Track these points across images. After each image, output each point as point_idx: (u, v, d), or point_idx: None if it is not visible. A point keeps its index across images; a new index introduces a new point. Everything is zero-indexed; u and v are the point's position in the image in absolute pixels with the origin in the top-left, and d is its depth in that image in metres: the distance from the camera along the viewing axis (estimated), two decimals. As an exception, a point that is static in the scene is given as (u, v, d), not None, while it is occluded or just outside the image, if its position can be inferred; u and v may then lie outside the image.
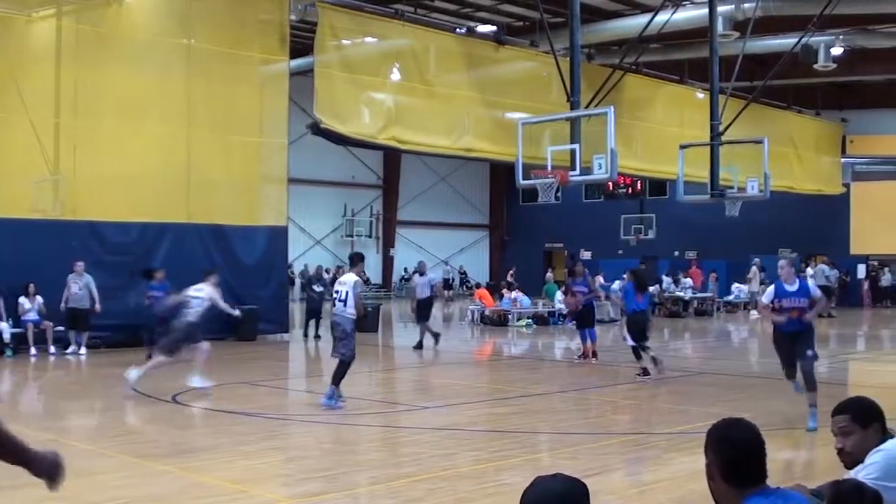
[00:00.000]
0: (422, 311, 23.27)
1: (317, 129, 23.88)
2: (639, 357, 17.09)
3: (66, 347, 20.71)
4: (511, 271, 44.61)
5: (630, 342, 17.35)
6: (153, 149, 22.69)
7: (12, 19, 21.26)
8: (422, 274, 24.03)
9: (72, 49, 21.63)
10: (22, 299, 20.24)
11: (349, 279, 13.87)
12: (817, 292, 12.63)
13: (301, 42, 28.28)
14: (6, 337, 20.00)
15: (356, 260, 14.56)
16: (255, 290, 24.29)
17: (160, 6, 23.77)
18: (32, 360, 19.61)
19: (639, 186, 49.54)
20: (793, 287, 12.25)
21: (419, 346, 22.58)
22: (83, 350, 20.63)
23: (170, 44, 23.24)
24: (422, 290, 23.39)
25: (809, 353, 12.15)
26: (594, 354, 19.89)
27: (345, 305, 13.58)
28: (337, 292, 13.82)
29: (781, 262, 12.68)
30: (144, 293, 19.49)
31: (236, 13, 24.14)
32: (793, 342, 12.36)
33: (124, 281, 21.95)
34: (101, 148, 21.81)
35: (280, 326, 25.45)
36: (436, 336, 22.86)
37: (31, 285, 20.41)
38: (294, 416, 13.70)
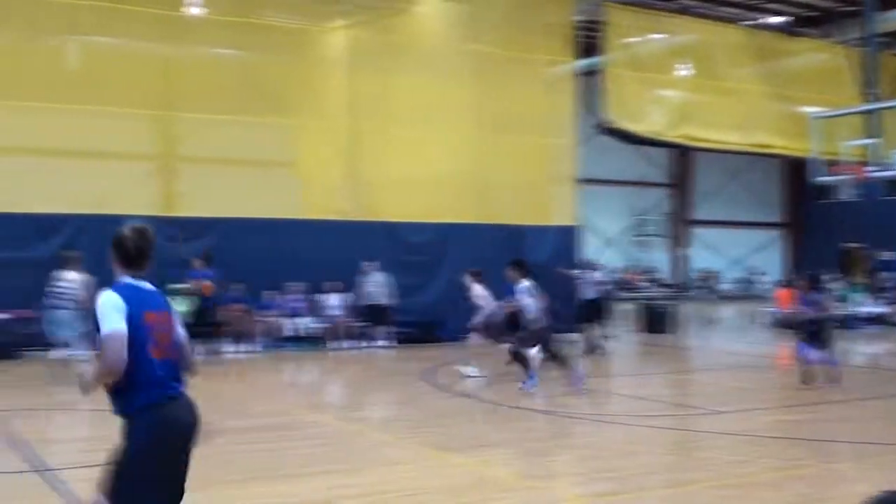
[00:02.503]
0: (585, 313, 21.26)
1: (605, 129, 23.85)
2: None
3: (367, 342, 21.74)
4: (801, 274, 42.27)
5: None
6: (445, 152, 23.43)
7: (307, 31, 22.69)
8: (586, 270, 22.05)
9: (365, 58, 22.78)
10: (325, 296, 21.40)
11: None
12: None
13: (585, 42, 28.32)
14: (308, 332, 21.24)
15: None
16: (548, 289, 24.39)
17: (448, 14, 24.47)
18: (334, 353, 20.63)
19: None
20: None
21: (592, 350, 20.68)
22: (383, 344, 21.60)
23: (458, 49, 23.92)
24: (587, 289, 21.33)
25: None
26: (832, 378, 15.29)
27: None
28: None
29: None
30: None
31: (522, 17, 24.49)
32: None
33: (421, 279, 22.81)
34: (396, 152, 22.79)
35: (572, 325, 25.44)
36: (593, 349, 20.64)
37: (335, 282, 21.54)
38: (584, 414, 13.73)
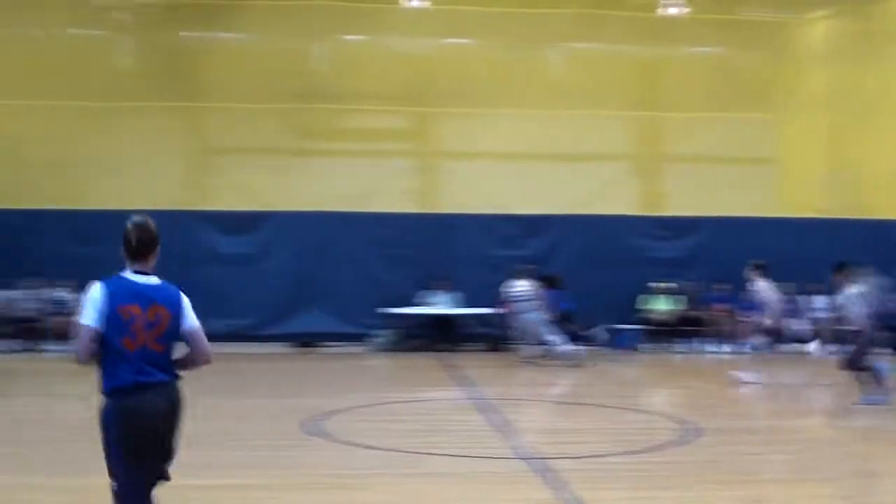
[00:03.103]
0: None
1: None
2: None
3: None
4: None
5: None
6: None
7: (786, 24, 22.45)
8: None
9: (847, 47, 22.05)
10: (810, 297, 20.69)
11: None
12: None
13: None
14: (792, 333, 20.64)
15: None
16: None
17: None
18: (816, 356, 19.85)
19: None
20: None
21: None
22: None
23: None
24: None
25: None
26: None
27: None
28: None
29: None
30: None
31: None
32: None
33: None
34: (882, 145, 21.69)
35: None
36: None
37: (819, 284, 20.64)
38: None
